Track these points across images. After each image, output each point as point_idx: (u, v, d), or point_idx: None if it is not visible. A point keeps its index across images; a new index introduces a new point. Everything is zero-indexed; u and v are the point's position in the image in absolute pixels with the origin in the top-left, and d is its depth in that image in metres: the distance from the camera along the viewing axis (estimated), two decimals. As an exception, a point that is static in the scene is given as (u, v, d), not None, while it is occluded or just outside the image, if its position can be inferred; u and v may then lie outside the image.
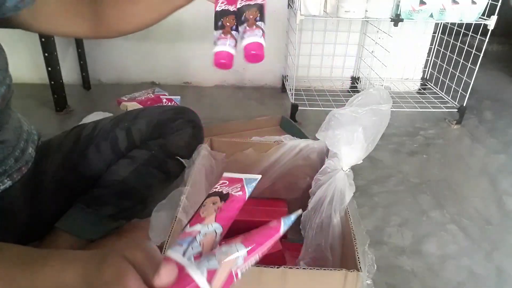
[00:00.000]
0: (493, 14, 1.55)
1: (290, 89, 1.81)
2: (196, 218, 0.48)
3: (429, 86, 2.08)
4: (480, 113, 1.89)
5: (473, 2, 1.55)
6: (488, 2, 1.56)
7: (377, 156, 1.47)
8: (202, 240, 0.45)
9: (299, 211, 0.50)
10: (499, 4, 1.54)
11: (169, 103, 1.56)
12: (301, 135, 1.39)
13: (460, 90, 1.78)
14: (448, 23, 1.83)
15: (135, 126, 0.91)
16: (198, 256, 0.43)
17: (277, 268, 0.52)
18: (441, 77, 1.97)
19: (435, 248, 1.05)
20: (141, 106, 1.54)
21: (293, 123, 1.54)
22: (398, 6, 1.56)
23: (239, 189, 0.50)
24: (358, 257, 0.56)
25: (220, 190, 0.51)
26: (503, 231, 1.13)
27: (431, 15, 1.59)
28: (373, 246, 1.04)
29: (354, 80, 2.12)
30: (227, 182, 0.52)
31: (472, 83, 1.68)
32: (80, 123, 0.99)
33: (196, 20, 1.93)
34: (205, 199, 0.51)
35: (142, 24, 0.72)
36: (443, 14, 1.57)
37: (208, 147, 0.84)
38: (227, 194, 0.50)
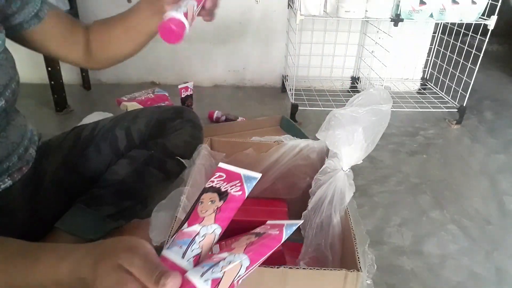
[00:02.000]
0: (493, 14, 1.55)
1: (290, 89, 1.81)
2: (194, 217, 0.47)
3: (429, 86, 2.08)
4: (480, 113, 1.89)
5: (473, 2, 1.55)
6: (488, 2, 1.56)
7: (377, 156, 1.47)
8: (201, 242, 0.44)
9: (301, 221, 0.49)
10: (499, 4, 1.54)
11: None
12: (301, 135, 1.39)
13: (460, 90, 1.78)
14: (448, 23, 1.83)
15: (134, 126, 0.91)
16: (197, 258, 0.43)
17: (277, 268, 0.52)
18: (441, 77, 1.97)
19: (435, 248, 1.05)
20: (141, 106, 1.54)
21: (293, 123, 1.54)
22: (398, 6, 1.56)
23: (238, 188, 0.49)
24: (358, 257, 0.56)
25: (217, 186, 0.50)
26: (503, 231, 1.13)
27: (431, 15, 1.59)
28: (373, 246, 1.04)
29: (354, 80, 2.12)
30: (224, 176, 0.51)
31: (472, 83, 1.68)
32: (80, 123, 0.99)
33: (196, 20, 1.93)
34: (201, 194, 0.50)
35: (127, 50, 0.79)
36: (443, 14, 1.57)
37: (208, 147, 0.84)
38: (226, 193, 0.49)
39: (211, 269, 0.40)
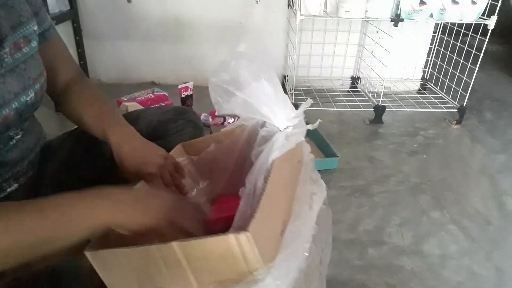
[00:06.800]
0: (493, 14, 1.55)
1: (290, 89, 1.81)
2: None
3: (429, 86, 2.08)
4: (480, 113, 1.89)
5: (473, 2, 1.55)
6: (488, 2, 1.57)
7: (377, 156, 1.47)
8: None
9: None
10: (499, 4, 1.54)
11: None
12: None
13: (460, 90, 1.78)
14: (448, 23, 1.83)
15: (136, 127, 0.91)
16: None
17: (166, 244, 0.46)
18: (441, 77, 1.97)
19: (435, 248, 1.05)
20: (141, 106, 1.54)
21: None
22: (398, 6, 1.56)
23: None
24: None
25: None
26: (503, 231, 1.13)
27: (431, 15, 1.59)
28: (373, 246, 1.04)
29: (354, 80, 2.12)
30: None
31: (472, 83, 1.68)
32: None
33: (196, 21, 1.93)
34: None
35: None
36: (443, 14, 1.57)
37: (183, 150, 0.82)
38: None
39: None
